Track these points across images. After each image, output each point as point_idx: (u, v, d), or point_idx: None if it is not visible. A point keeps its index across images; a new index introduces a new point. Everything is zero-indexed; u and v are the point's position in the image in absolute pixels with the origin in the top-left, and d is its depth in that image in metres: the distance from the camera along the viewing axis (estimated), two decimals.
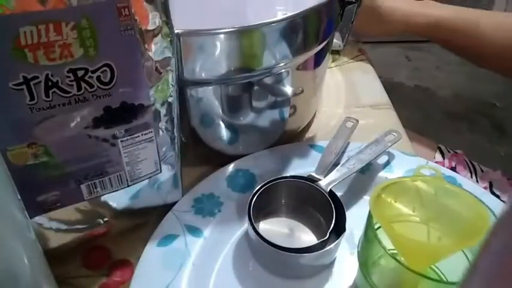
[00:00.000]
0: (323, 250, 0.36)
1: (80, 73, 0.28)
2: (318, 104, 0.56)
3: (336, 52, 0.70)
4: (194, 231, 0.40)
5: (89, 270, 0.39)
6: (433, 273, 0.36)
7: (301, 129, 0.54)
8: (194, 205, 0.42)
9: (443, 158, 0.68)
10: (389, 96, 0.62)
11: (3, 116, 0.28)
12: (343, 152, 0.48)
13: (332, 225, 0.38)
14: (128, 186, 0.36)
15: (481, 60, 0.67)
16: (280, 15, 0.37)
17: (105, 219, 0.38)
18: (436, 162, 0.62)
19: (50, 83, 0.28)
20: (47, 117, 0.29)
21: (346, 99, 0.62)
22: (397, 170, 0.46)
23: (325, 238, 0.37)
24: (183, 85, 0.39)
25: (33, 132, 0.29)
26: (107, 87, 0.30)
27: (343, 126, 0.48)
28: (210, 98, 0.42)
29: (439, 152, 0.69)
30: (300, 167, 0.46)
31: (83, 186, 0.33)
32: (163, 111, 0.35)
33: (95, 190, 0.34)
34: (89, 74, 0.29)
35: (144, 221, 0.42)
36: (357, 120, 0.49)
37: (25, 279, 0.26)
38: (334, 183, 0.41)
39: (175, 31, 0.32)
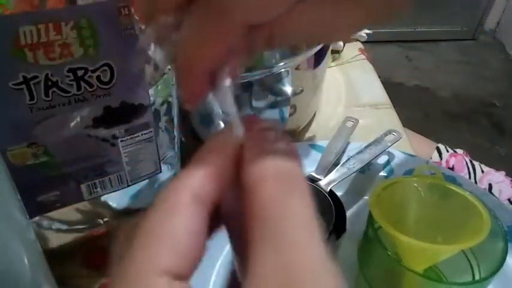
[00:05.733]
0: None
1: (80, 73, 0.28)
2: (318, 104, 0.56)
3: (336, 52, 0.70)
4: None
5: (89, 270, 0.39)
6: (433, 273, 0.36)
7: (301, 129, 0.54)
8: None
9: (441, 159, 0.68)
10: (389, 96, 0.62)
11: (3, 116, 0.28)
12: (343, 151, 0.48)
13: (332, 225, 0.38)
14: (128, 186, 0.36)
15: None
16: None
17: (105, 219, 0.38)
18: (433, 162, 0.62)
19: (49, 83, 0.28)
20: (46, 117, 0.29)
21: (346, 98, 0.62)
22: (397, 170, 0.46)
23: (325, 238, 0.37)
24: None
25: (33, 132, 0.29)
26: (106, 86, 0.30)
27: (343, 126, 0.48)
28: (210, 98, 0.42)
29: (437, 152, 0.69)
30: None
31: (83, 186, 0.33)
32: (163, 110, 0.35)
33: (95, 190, 0.34)
34: (89, 73, 0.29)
35: None
36: (357, 120, 0.49)
37: (25, 279, 0.26)
38: (334, 183, 0.41)
39: None
